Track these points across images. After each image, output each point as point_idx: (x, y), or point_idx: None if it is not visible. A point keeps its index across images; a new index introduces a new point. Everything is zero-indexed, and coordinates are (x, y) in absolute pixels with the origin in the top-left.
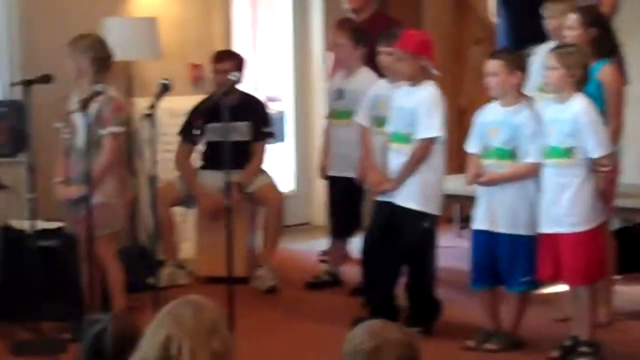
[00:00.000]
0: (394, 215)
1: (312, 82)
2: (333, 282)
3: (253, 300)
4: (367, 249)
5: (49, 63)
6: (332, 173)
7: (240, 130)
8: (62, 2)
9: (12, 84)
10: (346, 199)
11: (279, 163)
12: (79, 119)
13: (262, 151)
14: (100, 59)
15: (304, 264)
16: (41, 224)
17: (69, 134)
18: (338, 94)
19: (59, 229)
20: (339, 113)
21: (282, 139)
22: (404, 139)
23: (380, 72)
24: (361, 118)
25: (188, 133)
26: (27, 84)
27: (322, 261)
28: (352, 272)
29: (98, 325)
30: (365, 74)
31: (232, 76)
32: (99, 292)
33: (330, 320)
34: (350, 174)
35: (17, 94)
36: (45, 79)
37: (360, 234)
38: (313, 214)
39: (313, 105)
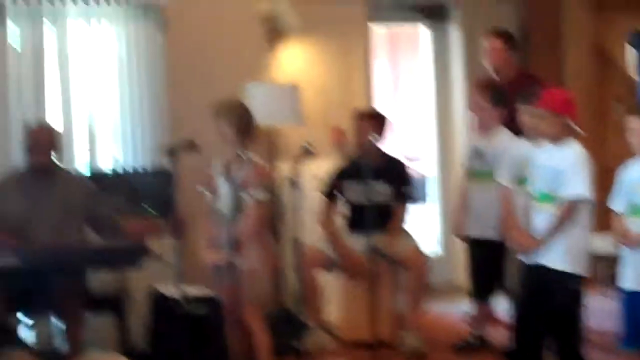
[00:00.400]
0: (541, 277)
1: (454, 142)
2: (480, 344)
3: None
4: (521, 314)
5: (196, 128)
6: (471, 234)
7: (381, 192)
8: (206, 68)
9: (157, 153)
10: (486, 260)
11: (423, 225)
12: (222, 185)
13: (402, 212)
14: (244, 125)
15: (451, 327)
16: (188, 290)
17: (213, 199)
18: (476, 154)
19: (206, 295)
20: (477, 173)
21: (423, 200)
22: (548, 198)
23: (518, 132)
24: (503, 178)
25: (330, 193)
26: (172, 152)
27: (469, 324)
28: (498, 334)
29: None
30: (503, 134)
31: (371, 137)
32: (247, 357)
33: None
34: (490, 234)
35: (163, 160)
36: (191, 145)
37: (503, 295)
38: (458, 275)
39: (456, 165)
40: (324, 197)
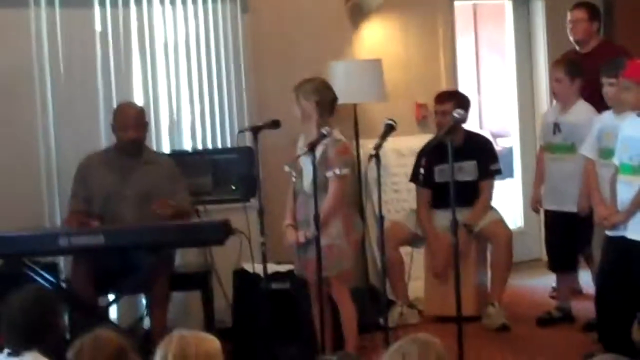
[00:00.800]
0: (626, 249)
1: (537, 117)
2: (564, 317)
3: (483, 339)
4: (601, 286)
5: (278, 108)
6: (548, 207)
7: (467, 170)
8: (288, 48)
9: (240, 131)
10: (564, 233)
11: (507, 199)
12: (305, 162)
13: (489, 189)
14: (325, 102)
15: (535, 301)
16: (272, 267)
17: (296, 177)
18: (554, 128)
19: (289, 271)
20: (555, 147)
21: (511, 175)
22: (634, 170)
23: (600, 104)
24: (587, 150)
25: (417, 176)
26: (255, 130)
27: (552, 297)
28: (583, 307)
29: None
30: (581, 107)
31: (456, 114)
32: (331, 332)
33: (562, 357)
34: (568, 208)
35: (247, 139)
36: (274, 124)
37: (586, 267)
38: (543, 249)
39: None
40: (414, 182)
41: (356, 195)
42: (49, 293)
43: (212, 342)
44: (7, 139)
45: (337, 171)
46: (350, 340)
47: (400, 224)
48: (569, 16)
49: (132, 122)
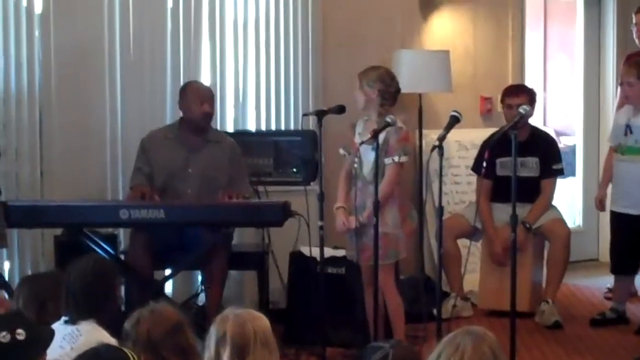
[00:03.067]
0: None
1: (602, 117)
2: (618, 319)
3: (536, 335)
4: None
5: (342, 93)
6: (615, 209)
7: (530, 166)
8: (356, 35)
9: (305, 114)
10: (629, 236)
11: (568, 197)
12: (365, 148)
13: (550, 188)
14: (388, 92)
15: (590, 300)
16: (329, 251)
17: (355, 162)
18: (626, 129)
19: (345, 256)
20: (626, 149)
21: (573, 174)
22: None
23: None
24: None
25: (480, 167)
26: (320, 114)
27: (608, 298)
28: (638, 310)
29: (380, 352)
30: None
31: (522, 109)
32: (383, 320)
33: (614, 358)
34: (635, 210)
35: (311, 123)
36: (340, 109)
37: None
38: (600, 249)
39: (603, 140)
40: (475, 172)
41: (415, 185)
42: (108, 263)
43: (264, 320)
44: (75, 113)
45: (396, 158)
46: (397, 330)
47: (459, 216)
48: (633, 19)
49: (208, 96)
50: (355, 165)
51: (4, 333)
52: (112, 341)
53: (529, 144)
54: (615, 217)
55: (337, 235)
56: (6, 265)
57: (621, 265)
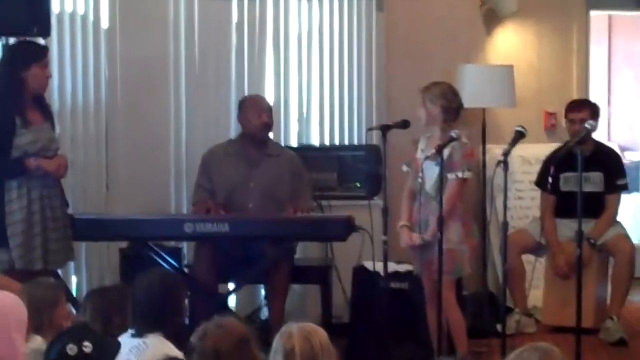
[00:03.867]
0: None
1: None
2: None
3: (600, 352)
4: None
5: (406, 108)
6: None
7: (594, 181)
8: (421, 49)
9: (370, 129)
10: None
11: (632, 213)
12: (428, 164)
13: (615, 204)
14: (451, 108)
15: None
16: (392, 266)
17: (418, 178)
18: None
19: (409, 271)
20: None
21: (637, 189)
22: None
23: None
24: None
25: (543, 181)
26: (384, 129)
27: None
28: None
29: None
30: None
31: (587, 125)
32: (446, 335)
33: None
34: None
35: (374, 138)
36: (404, 124)
37: None
38: None
39: None
40: (538, 187)
41: (478, 201)
42: (174, 277)
43: (324, 332)
44: (140, 126)
45: (460, 174)
46: (460, 345)
47: (523, 232)
48: None
49: (266, 107)
50: (420, 181)
51: (71, 345)
52: (178, 354)
53: (593, 159)
54: None
55: (400, 250)
56: (73, 279)
57: None
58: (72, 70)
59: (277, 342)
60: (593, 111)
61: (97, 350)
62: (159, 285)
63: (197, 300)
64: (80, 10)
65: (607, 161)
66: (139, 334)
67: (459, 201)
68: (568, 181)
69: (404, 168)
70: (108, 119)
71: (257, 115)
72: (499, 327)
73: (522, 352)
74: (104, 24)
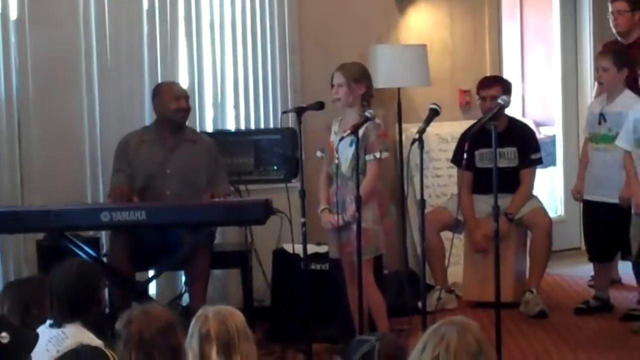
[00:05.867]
0: None
1: (581, 106)
2: (602, 307)
3: (521, 325)
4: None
5: (320, 90)
6: (588, 197)
7: (508, 157)
8: (333, 31)
9: (284, 112)
10: (603, 223)
11: (549, 187)
12: (342, 146)
13: (530, 178)
14: (371, 87)
15: (573, 289)
16: (312, 248)
17: (335, 160)
18: (600, 118)
19: (327, 252)
20: (600, 137)
21: (553, 163)
22: None
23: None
24: (622, 142)
25: (460, 160)
26: (299, 111)
27: (591, 286)
28: (622, 297)
29: (367, 345)
30: (627, 97)
31: (501, 100)
32: (367, 314)
33: (601, 345)
34: (608, 198)
35: (290, 121)
36: (319, 106)
37: (625, 257)
38: (582, 238)
39: (582, 129)
40: (454, 164)
41: (396, 180)
42: (92, 266)
43: (240, 314)
44: (53, 117)
45: (377, 154)
46: (381, 324)
47: (441, 209)
48: (610, 8)
49: (183, 93)
50: (336, 162)
51: None
52: (98, 343)
53: (506, 135)
54: (591, 206)
55: (320, 231)
56: None
57: (599, 252)
58: None
59: (193, 326)
60: (504, 87)
61: (14, 341)
62: (76, 274)
63: (116, 289)
64: None
65: (520, 136)
66: (57, 324)
67: (377, 182)
68: (483, 157)
69: (318, 154)
70: (20, 111)
71: (175, 100)
72: (420, 304)
73: (440, 326)
74: (13, 15)
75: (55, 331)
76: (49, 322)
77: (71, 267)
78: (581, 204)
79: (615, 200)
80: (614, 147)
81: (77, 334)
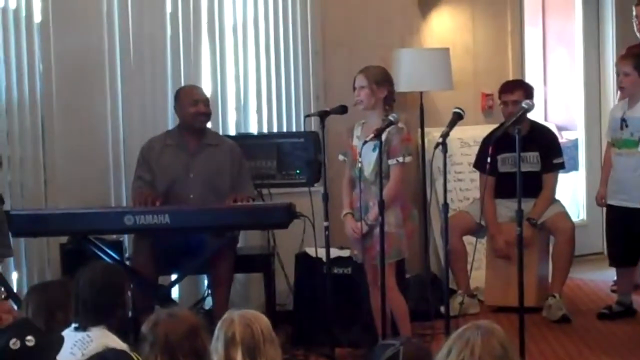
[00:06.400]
0: None
1: (603, 111)
2: (625, 312)
3: (544, 330)
4: None
5: (343, 93)
6: (611, 202)
7: (531, 161)
8: (356, 34)
9: (308, 115)
10: (626, 228)
11: (571, 192)
12: (366, 150)
13: (552, 182)
14: (394, 91)
15: (596, 294)
16: (335, 252)
17: (358, 164)
18: (622, 123)
19: (350, 256)
20: (622, 142)
21: (575, 168)
22: None
23: None
24: None
25: (484, 164)
26: (323, 115)
27: (614, 291)
28: None
29: (391, 349)
30: None
31: (524, 104)
32: (390, 318)
33: (624, 350)
34: (631, 203)
35: (313, 125)
36: (342, 109)
37: None
38: (605, 243)
39: (604, 133)
40: (478, 169)
41: (418, 184)
42: (117, 270)
43: (265, 318)
44: (77, 120)
45: (400, 159)
46: (403, 328)
47: (464, 213)
48: (634, 11)
49: (202, 97)
50: (359, 166)
51: (14, 340)
52: (123, 346)
53: (529, 139)
54: (613, 210)
55: (342, 235)
56: (14, 276)
57: (621, 257)
58: (6, 66)
59: (219, 329)
60: (526, 91)
61: (40, 344)
62: (101, 278)
63: (139, 293)
64: (12, 5)
65: (543, 140)
66: (82, 327)
67: (401, 186)
68: (505, 162)
69: (340, 157)
70: (44, 113)
71: (193, 105)
72: (442, 309)
73: (465, 330)
74: (37, 18)
75: (80, 334)
76: (73, 325)
77: (96, 270)
78: (604, 209)
79: (638, 205)
80: (636, 152)
81: (102, 338)
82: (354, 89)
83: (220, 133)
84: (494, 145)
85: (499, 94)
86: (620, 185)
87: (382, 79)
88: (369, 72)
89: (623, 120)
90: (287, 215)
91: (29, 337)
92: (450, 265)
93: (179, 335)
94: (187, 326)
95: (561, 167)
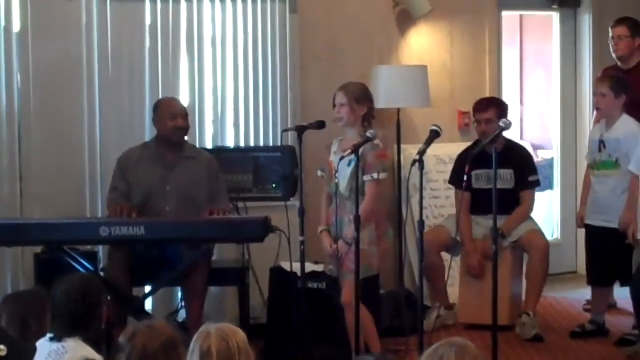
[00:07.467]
0: None
1: (579, 131)
2: (598, 331)
3: (517, 348)
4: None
5: (321, 109)
6: (591, 222)
7: (504, 178)
8: (334, 51)
9: (285, 130)
10: (606, 249)
11: (545, 210)
12: (342, 166)
13: (530, 199)
14: (373, 108)
15: (569, 313)
16: (310, 267)
17: (334, 180)
18: (600, 145)
19: (324, 272)
20: (601, 164)
21: (550, 187)
22: None
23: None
24: (634, 167)
25: (460, 181)
26: (300, 130)
27: (587, 310)
28: (617, 322)
29: None
30: (626, 122)
31: (502, 123)
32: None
33: None
34: (609, 224)
35: (290, 139)
36: (320, 125)
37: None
38: (578, 262)
39: (580, 153)
40: (452, 185)
41: (393, 201)
42: (94, 281)
43: (242, 333)
44: (54, 131)
45: (375, 175)
46: (372, 343)
47: (441, 228)
48: (610, 33)
49: (181, 111)
50: (336, 181)
51: None
52: (97, 358)
53: (503, 156)
54: (592, 231)
55: (317, 250)
56: None
57: (598, 277)
58: None
59: (195, 343)
60: (500, 109)
61: (12, 353)
62: (78, 289)
63: (113, 304)
64: None
65: (517, 158)
66: (57, 338)
67: (377, 203)
68: (479, 178)
69: (319, 173)
70: (21, 123)
71: (171, 118)
72: (417, 324)
73: (438, 347)
74: (16, 27)
75: (55, 345)
76: (49, 335)
77: (74, 281)
78: (579, 229)
79: (616, 226)
80: (615, 172)
81: (76, 349)
82: (334, 105)
83: (197, 146)
84: (470, 162)
85: (472, 112)
86: (599, 206)
87: (362, 97)
88: (350, 90)
89: (601, 141)
90: (262, 229)
91: (1, 347)
92: (428, 280)
93: (156, 346)
94: (165, 338)
95: (537, 184)
